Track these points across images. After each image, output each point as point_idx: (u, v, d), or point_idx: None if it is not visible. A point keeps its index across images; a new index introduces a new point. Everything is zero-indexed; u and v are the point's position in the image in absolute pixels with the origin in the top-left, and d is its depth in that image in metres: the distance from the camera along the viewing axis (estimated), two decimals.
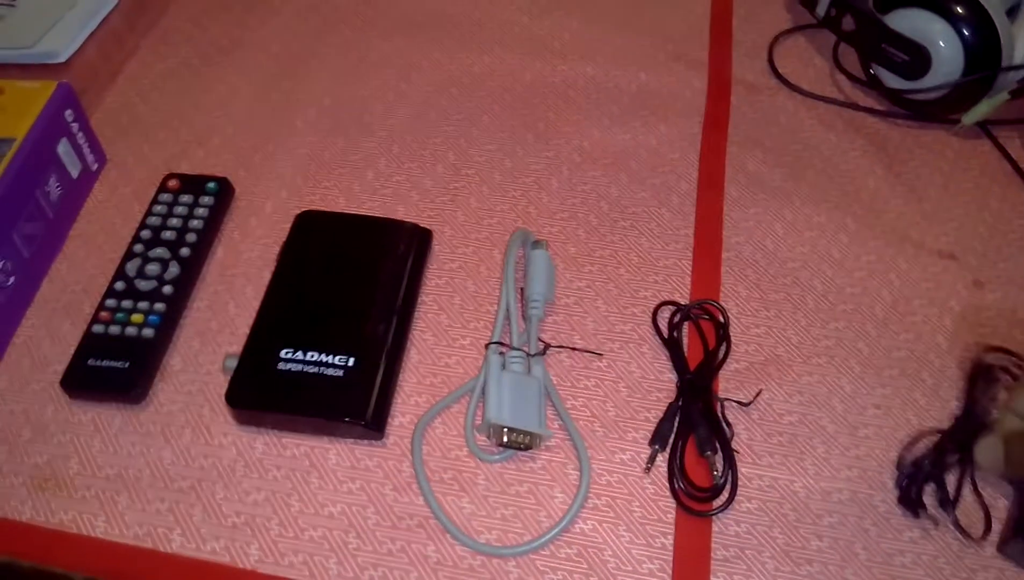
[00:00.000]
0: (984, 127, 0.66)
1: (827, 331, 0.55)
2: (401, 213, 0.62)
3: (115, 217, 0.62)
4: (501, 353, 0.51)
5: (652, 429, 0.50)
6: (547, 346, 0.53)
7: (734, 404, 0.51)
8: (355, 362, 0.49)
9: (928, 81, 0.64)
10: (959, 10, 0.62)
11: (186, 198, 0.59)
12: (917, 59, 0.64)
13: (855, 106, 0.69)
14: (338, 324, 0.51)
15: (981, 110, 0.64)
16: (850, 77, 0.71)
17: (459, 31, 0.76)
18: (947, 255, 0.59)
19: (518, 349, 0.51)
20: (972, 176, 0.64)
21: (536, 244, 0.56)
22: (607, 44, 0.74)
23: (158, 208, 0.59)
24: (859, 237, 0.60)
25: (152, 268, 0.55)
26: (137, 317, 0.53)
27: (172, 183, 0.60)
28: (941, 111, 0.66)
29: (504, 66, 0.72)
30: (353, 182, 0.64)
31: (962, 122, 0.65)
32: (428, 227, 0.60)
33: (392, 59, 0.73)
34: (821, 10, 0.71)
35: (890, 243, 0.59)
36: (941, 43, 0.63)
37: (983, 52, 0.62)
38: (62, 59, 0.71)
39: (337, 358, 0.49)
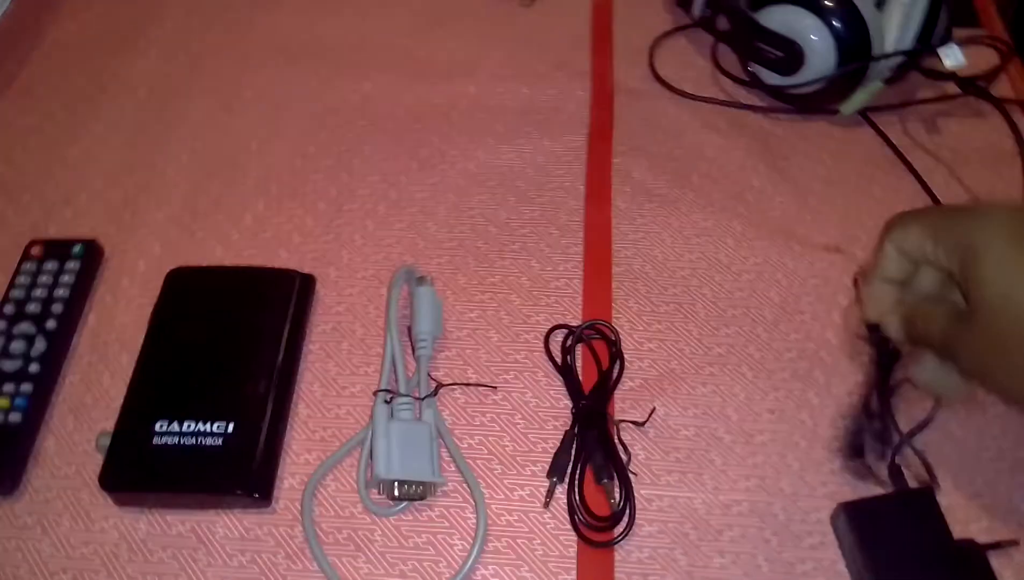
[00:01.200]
0: (864, 115, 0.67)
1: (718, 339, 0.55)
2: (283, 258, 0.60)
3: None
4: (388, 400, 0.50)
5: (550, 461, 0.50)
6: (439, 386, 0.52)
7: (630, 425, 0.51)
8: (235, 427, 0.47)
9: (804, 76, 0.64)
10: (827, 3, 0.62)
11: (50, 265, 0.57)
12: (791, 55, 0.64)
13: (737, 105, 0.69)
14: (215, 388, 0.49)
15: (858, 99, 0.65)
16: (731, 77, 0.70)
17: (335, 58, 0.73)
18: (833, 249, 0.59)
19: (405, 395, 0.50)
20: (855, 165, 0.64)
21: (420, 280, 0.55)
22: (488, 60, 0.73)
23: (21, 279, 0.56)
24: (745, 238, 0.60)
25: (16, 346, 0.53)
26: (3, 402, 0.50)
27: (35, 250, 0.57)
28: (821, 103, 0.66)
29: (384, 91, 0.71)
30: (231, 229, 0.62)
31: (841, 112, 0.65)
32: (311, 271, 0.58)
33: (265, 93, 0.71)
34: (697, 11, 0.71)
35: (776, 242, 0.59)
36: (812, 37, 0.63)
37: (854, 43, 0.62)
38: None
39: (215, 425, 0.47)
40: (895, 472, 0.45)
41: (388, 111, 0.69)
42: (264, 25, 0.76)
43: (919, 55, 0.64)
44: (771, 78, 0.67)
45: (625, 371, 0.53)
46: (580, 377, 0.53)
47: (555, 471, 0.49)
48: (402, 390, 0.50)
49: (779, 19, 0.64)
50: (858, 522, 0.44)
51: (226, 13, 0.78)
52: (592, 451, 0.49)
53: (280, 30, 0.76)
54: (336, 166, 0.66)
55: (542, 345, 0.55)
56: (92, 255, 0.58)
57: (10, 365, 0.52)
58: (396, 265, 0.59)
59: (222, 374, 0.50)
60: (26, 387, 0.51)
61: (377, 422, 0.48)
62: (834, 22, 0.62)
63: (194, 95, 0.71)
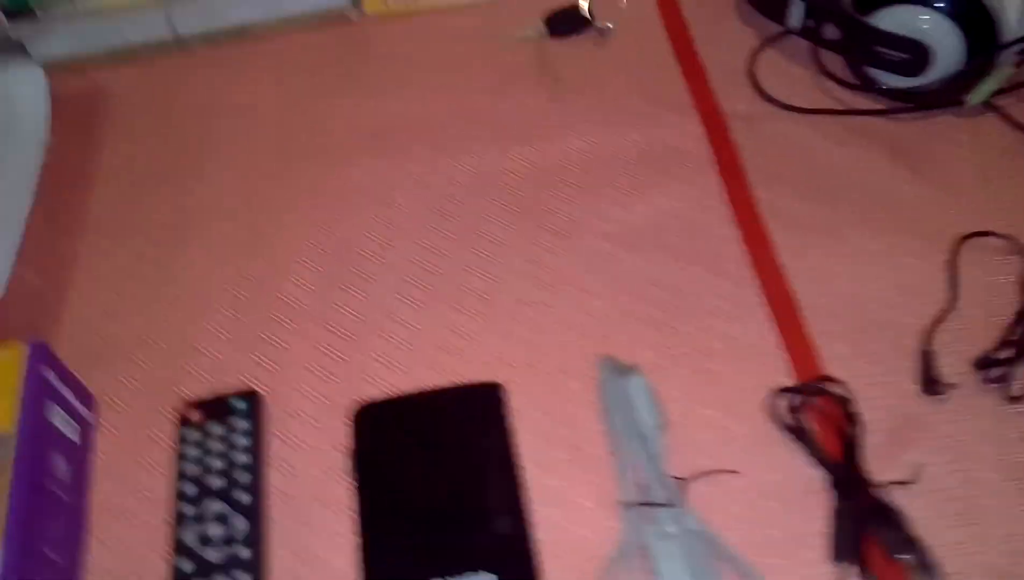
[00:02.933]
0: (987, 101, 0.65)
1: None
2: (451, 366, 0.55)
3: (137, 472, 0.53)
4: (642, 512, 0.46)
5: (825, 542, 0.46)
6: (681, 482, 0.48)
7: (896, 486, 0.48)
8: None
9: (932, 75, 0.62)
10: None
11: (216, 428, 0.51)
12: (917, 56, 0.62)
13: (857, 111, 0.66)
14: (460, 535, 0.45)
15: (987, 88, 0.63)
16: (841, 83, 0.68)
17: (425, 136, 0.69)
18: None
19: (663, 504, 0.46)
20: (994, 153, 0.63)
21: (627, 370, 0.51)
22: (580, 107, 0.69)
23: (189, 451, 0.51)
24: (924, 253, 0.57)
25: (215, 531, 0.47)
26: None
27: (194, 415, 0.52)
28: (943, 96, 0.64)
29: (488, 161, 0.66)
30: (384, 345, 0.57)
31: (968, 103, 0.63)
32: (490, 377, 0.54)
33: (366, 186, 0.66)
34: (795, 21, 0.68)
35: (952, 248, 0.57)
36: (939, 35, 0.61)
37: (981, 34, 0.60)
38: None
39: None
40: None
41: (501, 182, 0.65)
42: (341, 113, 0.71)
43: None
44: (892, 80, 0.65)
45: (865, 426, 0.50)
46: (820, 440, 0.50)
47: (840, 553, 0.46)
48: (656, 498, 0.46)
49: (898, 20, 0.62)
50: None
51: (298, 105, 0.72)
52: (870, 523, 0.46)
53: (359, 117, 0.71)
54: (468, 253, 0.61)
55: (764, 413, 0.51)
56: (255, 406, 0.53)
57: (216, 555, 0.47)
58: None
59: (462, 516, 0.46)
60: (244, 578, 0.46)
61: (654, 546, 0.44)
62: (959, 16, 0.60)
63: (292, 202, 0.66)
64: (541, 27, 0.75)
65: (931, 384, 0.51)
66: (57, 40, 0.75)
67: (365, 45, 0.77)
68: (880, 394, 0.52)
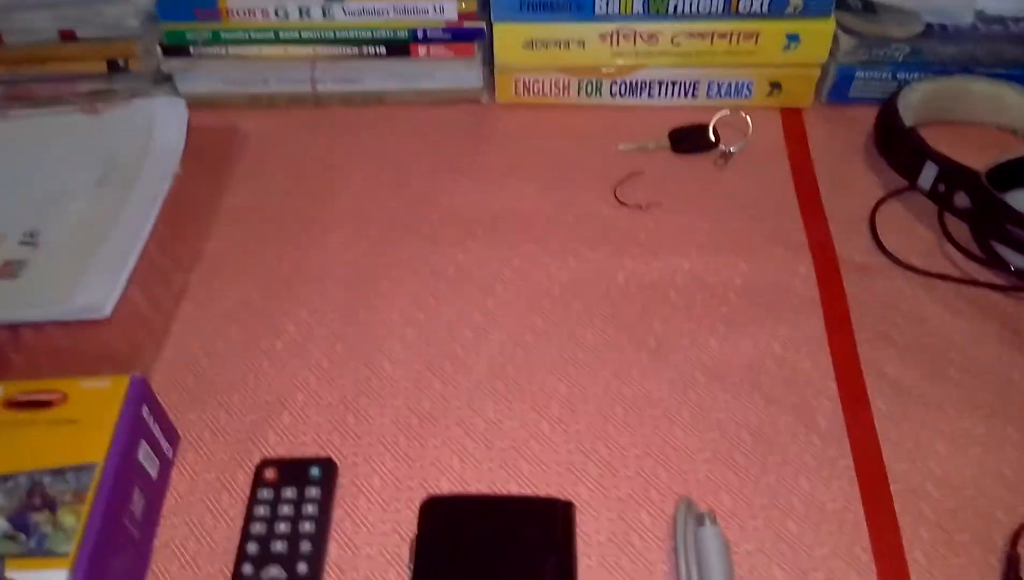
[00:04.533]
0: None
1: None
2: (525, 473, 0.55)
3: (204, 516, 0.54)
4: None
5: None
6: None
7: None
8: None
9: None
10: None
11: (289, 492, 0.52)
12: None
13: (976, 282, 0.64)
14: None
15: None
16: (961, 250, 0.66)
17: (530, 232, 0.70)
18: None
19: None
20: None
21: (702, 518, 0.50)
22: (696, 231, 0.69)
23: (259, 511, 0.51)
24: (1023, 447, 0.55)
25: None
26: None
27: (269, 474, 0.53)
28: None
29: (593, 267, 0.67)
30: (463, 437, 0.57)
31: None
32: (560, 491, 0.54)
33: (467, 272, 0.67)
34: (925, 183, 0.67)
35: None
36: None
37: None
38: (106, 312, 0.63)
39: None
40: None
41: (602, 291, 0.65)
42: (457, 193, 0.73)
43: None
44: (1017, 260, 0.63)
45: None
46: None
47: None
48: None
49: None
50: None
51: (408, 181, 0.74)
52: None
53: (467, 201, 0.72)
54: (560, 358, 0.61)
55: None
56: (330, 476, 0.53)
57: None
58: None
59: None
60: None
61: None
62: None
63: (396, 273, 0.67)
64: (665, 140, 0.76)
65: None
66: (204, 79, 0.79)
67: (489, 129, 0.79)
68: None
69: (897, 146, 0.70)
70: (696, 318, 0.63)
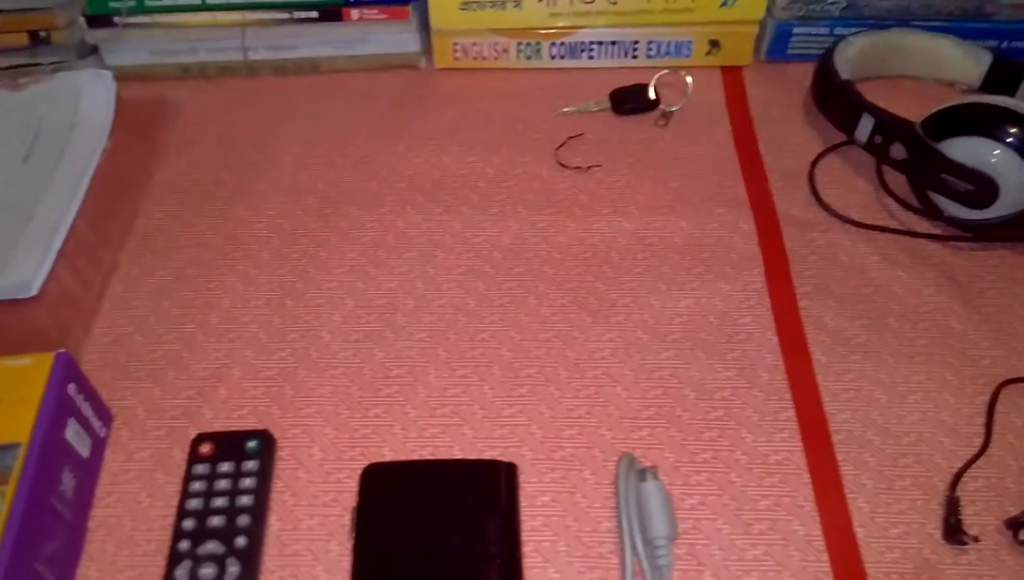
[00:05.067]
0: None
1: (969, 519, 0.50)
2: (469, 438, 0.55)
3: (139, 494, 0.52)
4: None
5: None
6: None
7: None
8: None
9: (996, 210, 0.61)
10: (1021, 135, 0.59)
11: (225, 466, 0.51)
12: (984, 190, 0.61)
13: (914, 233, 0.65)
14: None
15: None
16: (903, 204, 0.67)
17: (471, 196, 0.69)
18: None
19: None
20: None
21: (644, 473, 0.50)
22: (635, 192, 0.69)
23: (195, 486, 0.50)
24: (964, 394, 0.56)
25: (207, 572, 0.47)
26: None
27: (205, 448, 0.52)
28: (1006, 231, 0.63)
29: (533, 230, 0.66)
30: (404, 404, 0.56)
31: None
32: (505, 453, 0.53)
33: (408, 239, 0.66)
34: (862, 136, 0.67)
35: (994, 390, 0.55)
36: (1007, 171, 0.60)
37: None
38: (34, 291, 0.61)
39: None
40: None
41: (544, 253, 0.65)
42: (393, 159, 0.72)
43: None
44: (954, 209, 0.63)
45: None
46: None
47: None
48: None
49: (969, 152, 0.61)
50: None
51: (345, 150, 0.73)
52: None
53: (406, 167, 0.71)
54: (502, 322, 0.61)
55: (778, 534, 0.50)
56: (268, 449, 0.52)
57: None
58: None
59: None
60: None
61: None
62: None
63: (332, 244, 0.66)
64: (606, 101, 0.75)
65: (953, 533, 0.49)
66: (131, 50, 0.77)
67: (428, 94, 0.77)
68: (899, 533, 0.50)
69: (834, 100, 0.70)
70: (638, 278, 0.63)
